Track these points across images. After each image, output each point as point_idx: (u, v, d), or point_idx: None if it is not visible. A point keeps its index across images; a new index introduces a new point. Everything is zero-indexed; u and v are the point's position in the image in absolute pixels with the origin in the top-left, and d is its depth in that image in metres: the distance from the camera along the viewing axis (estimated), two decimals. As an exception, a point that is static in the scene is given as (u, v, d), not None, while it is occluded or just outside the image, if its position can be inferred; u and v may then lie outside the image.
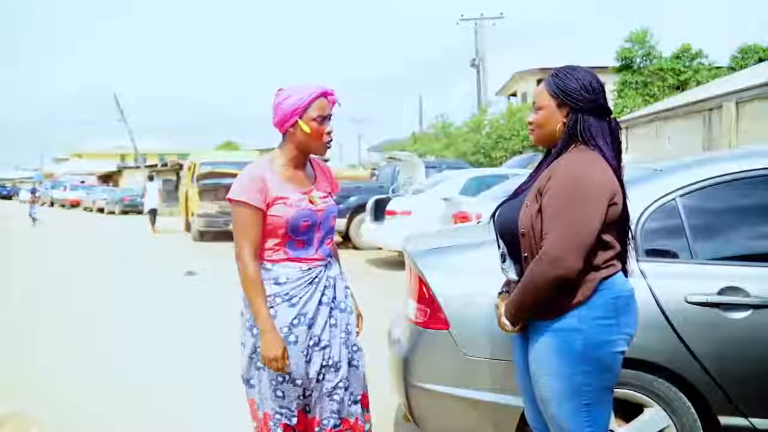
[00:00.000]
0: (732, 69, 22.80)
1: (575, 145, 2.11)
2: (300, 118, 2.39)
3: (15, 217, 28.35)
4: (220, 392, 4.39)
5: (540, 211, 2.05)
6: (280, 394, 2.45)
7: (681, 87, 23.75)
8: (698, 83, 22.51)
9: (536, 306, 2.06)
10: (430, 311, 2.79)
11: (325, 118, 2.42)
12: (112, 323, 6.85)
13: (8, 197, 59.81)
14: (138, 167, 42.48)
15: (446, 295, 2.76)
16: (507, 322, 2.18)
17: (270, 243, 2.45)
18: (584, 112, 2.10)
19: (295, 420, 2.48)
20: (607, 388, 2.12)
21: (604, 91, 2.14)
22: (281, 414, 2.46)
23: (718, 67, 24.06)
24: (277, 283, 2.43)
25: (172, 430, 3.88)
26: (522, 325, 2.16)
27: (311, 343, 2.45)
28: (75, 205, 40.16)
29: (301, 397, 2.50)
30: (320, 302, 2.47)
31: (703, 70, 24.01)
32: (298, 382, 2.45)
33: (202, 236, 16.30)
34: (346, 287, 2.63)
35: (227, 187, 17.22)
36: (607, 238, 2.07)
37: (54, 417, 4.06)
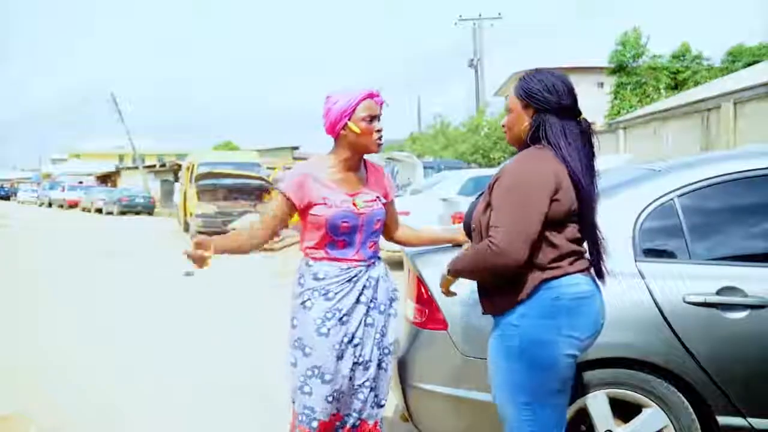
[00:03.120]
0: (724, 71, 22.84)
1: (537, 145, 2.16)
2: (349, 119, 2.49)
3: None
4: (220, 391, 4.40)
5: (488, 206, 2.13)
6: (307, 390, 2.49)
7: (677, 86, 23.76)
8: (697, 83, 22.52)
9: (469, 276, 2.25)
10: (429, 311, 2.79)
11: (374, 118, 2.52)
12: (112, 323, 6.84)
13: (6, 197, 59.73)
14: (136, 167, 42.46)
15: (445, 295, 2.76)
16: (446, 272, 2.32)
17: (312, 242, 2.56)
18: (548, 112, 2.15)
19: (315, 424, 2.50)
20: (553, 390, 2.13)
21: (570, 93, 2.17)
22: (304, 415, 2.50)
23: (719, 68, 24.07)
24: (316, 279, 2.53)
25: (172, 429, 3.89)
26: (448, 285, 2.38)
27: (345, 340, 2.51)
28: (73, 205, 40.10)
29: (330, 398, 2.51)
30: (358, 300, 2.55)
31: (702, 71, 24.03)
32: (327, 377, 2.48)
33: (201, 237, 16.24)
34: (395, 290, 2.70)
35: (226, 188, 17.35)
36: (553, 237, 2.10)
37: (53, 417, 4.06)
